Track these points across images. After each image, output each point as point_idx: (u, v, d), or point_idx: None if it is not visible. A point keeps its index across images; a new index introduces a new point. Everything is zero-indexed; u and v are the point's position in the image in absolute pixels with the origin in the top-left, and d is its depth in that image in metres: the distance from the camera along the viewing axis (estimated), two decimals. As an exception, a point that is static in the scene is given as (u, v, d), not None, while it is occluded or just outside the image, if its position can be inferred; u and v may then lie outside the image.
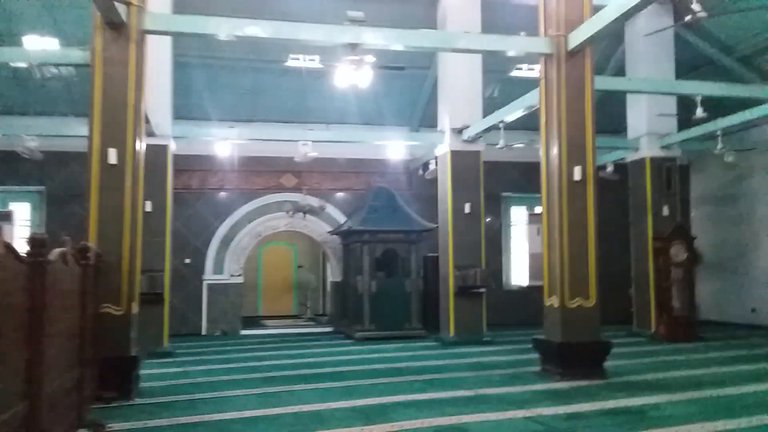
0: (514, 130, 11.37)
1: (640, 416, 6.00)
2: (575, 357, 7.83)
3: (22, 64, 8.99)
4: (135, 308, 7.19)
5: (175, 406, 6.54)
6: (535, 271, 15.37)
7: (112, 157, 7.00)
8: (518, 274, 15.55)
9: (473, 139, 11.55)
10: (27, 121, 11.64)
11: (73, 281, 5.07)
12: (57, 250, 4.48)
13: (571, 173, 8.06)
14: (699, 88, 9.57)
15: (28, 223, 13.08)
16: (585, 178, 8.08)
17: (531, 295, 15.05)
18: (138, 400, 6.78)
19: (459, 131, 11.57)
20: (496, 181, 14.38)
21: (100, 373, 6.59)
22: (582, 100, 8.18)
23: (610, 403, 6.51)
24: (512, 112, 10.03)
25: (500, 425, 5.69)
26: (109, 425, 5.64)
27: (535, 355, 9.15)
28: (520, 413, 6.09)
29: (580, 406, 6.39)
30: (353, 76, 7.97)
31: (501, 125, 10.33)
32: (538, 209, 15.57)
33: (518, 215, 15.69)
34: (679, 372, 8.41)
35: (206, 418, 6.01)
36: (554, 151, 8.17)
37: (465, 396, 6.95)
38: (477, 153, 11.73)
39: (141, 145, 7.44)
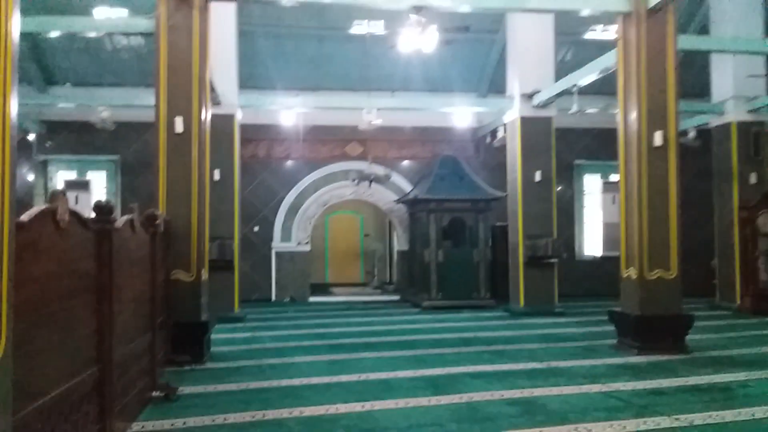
0: (586, 95, 10.85)
1: (726, 394, 5.63)
2: (654, 331, 7.44)
3: (93, 34, 9.14)
4: (205, 275, 7.28)
5: (245, 371, 6.60)
6: (609, 242, 14.79)
7: (179, 125, 7.03)
8: (591, 244, 15.01)
9: (544, 105, 11.08)
10: (100, 92, 11.94)
11: (142, 248, 5.11)
12: (124, 217, 4.50)
13: (651, 139, 7.58)
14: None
15: (104, 192, 13.50)
16: (666, 144, 7.59)
17: (604, 265, 14.57)
18: (209, 364, 6.89)
19: (529, 96, 11.11)
20: (568, 149, 13.86)
21: (173, 337, 6.74)
22: (663, 62, 7.64)
23: (693, 380, 6.15)
24: (586, 76, 9.51)
25: (575, 399, 5.44)
26: (181, 389, 5.73)
27: (610, 328, 8.80)
28: (595, 388, 5.82)
29: (659, 381, 6.06)
30: (418, 40, 7.70)
31: (574, 89, 9.83)
32: (613, 177, 14.97)
33: (592, 184, 15.08)
34: (765, 348, 7.89)
35: (275, 383, 6.04)
36: (633, 115, 7.69)
37: (537, 368, 6.72)
38: (548, 119, 11.26)
39: (207, 114, 7.44)
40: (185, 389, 5.76)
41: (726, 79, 11.73)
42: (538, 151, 11.16)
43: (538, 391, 5.68)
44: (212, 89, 9.83)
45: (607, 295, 13.82)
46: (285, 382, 6.07)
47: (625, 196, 7.91)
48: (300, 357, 7.35)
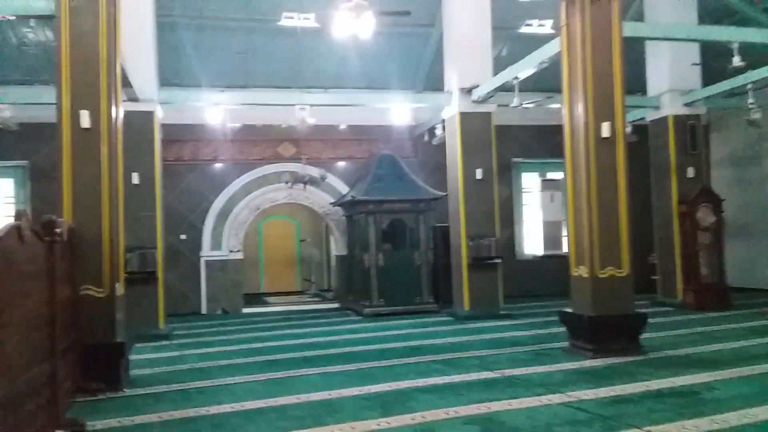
0: (523, 92, 10.52)
1: (693, 399, 5.29)
2: (608, 332, 7.11)
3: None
4: (120, 289, 6.46)
5: (168, 398, 5.83)
6: (549, 240, 14.62)
7: (85, 120, 6.20)
8: (531, 243, 14.79)
9: (484, 100, 10.70)
10: (5, 91, 10.76)
11: (36, 261, 4.30)
12: (7, 225, 3.71)
13: (598, 130, 7.25)
14: (737, 35, 8.64)
15: (12, 200, 12.29)
16: (614, 135, 7.28)
17: (546, 265, 14.40)
18: (127, 391, 6.08)
19: (468, 91, 10.71)
20: (505, 147, 13.53)
21: (83, 362, 5.93)
22: (609, 49, 7.33)
23: (655, 384, 5.80)
24: (527, 67, 9.16)
25: (537, 413, 4.97)
26: (91, 423, 4.94)
27: (559, 329, 8.52)
28: (556, 398, 5.38)
29: (622, 387, 5.69)
30: (353, 26, 7.11)
31: (515, 82, 9.46)
32: (551, 175, 14.83)
33: (530, 182, 14.88)
34: (720, 345, 7.70)
35: (202, 411, 5.31)
36: (579, 106, 7.35)
37: (490, 378, 6.25)
38: (488, 114, 10.89)
39: (118, 108, 6.62)
40: (96, 423, 4.97)
41: (661, 73, 11.69)
42: (478, 148, 10.77)
43: (495, 405, 5.18)
44: (128, 83, 8.97)
45: (549, 294, 13.64)
46: (214, 409, 5.34)
47: (572, 192, 7.55)
48: (232, 377, 6.62)
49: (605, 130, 7.20)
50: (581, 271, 7.36)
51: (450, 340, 8.69)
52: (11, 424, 3.62)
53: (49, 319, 4.57)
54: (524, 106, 9.90)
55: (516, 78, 9.34)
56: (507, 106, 11.08)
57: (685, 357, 7.06)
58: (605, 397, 5.40)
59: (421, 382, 6.12)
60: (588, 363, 6.80)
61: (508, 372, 6.47)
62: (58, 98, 6.25)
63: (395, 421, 4.83)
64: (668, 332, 8.67)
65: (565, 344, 7.67)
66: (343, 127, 13.63)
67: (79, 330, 5.88)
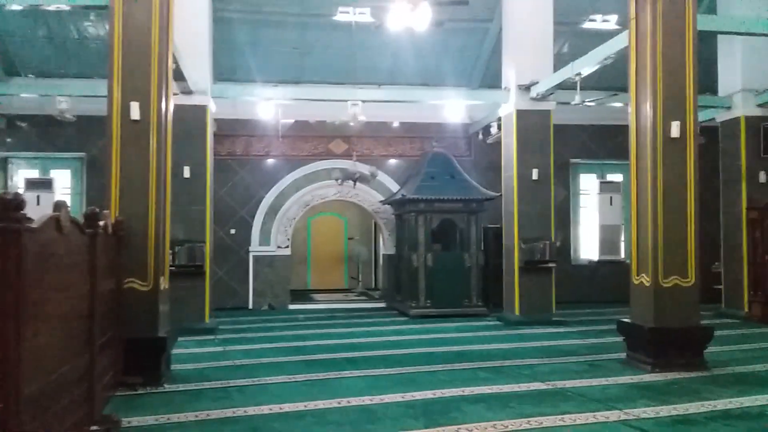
0: (584, 90, 10.08)
1: (764, 421, 4.84)
2: (670, 345, 6.66)
3: (39, 3, 8.17)
4: (164, 283, 6.40)
5: (207, 395, 5.73)
6: (606, 245, 14.05)
7: (135, 111, 6.15)
8: (587, 247, 14.25)
9: (542, 97, 10.29)
10: (65, 84, 10.97)
11: (76, 253, 4.22)
12: (45, 216, 3.62)
13: (667, 129, 6.79)
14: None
15: (69, 192, 12.55)
16: (685, 135, 6.81)
17: (601, 270, 13.89)
18: (167, 387, 6.01)
19: (527, 88, 10.32)
20: (563, 147, 13.04)
21: (125, 356, 5.87)
22: (681, 43, 6.85)
23: (721, 403, 5.37)
24: (591, 63, 8.73)
25: (592, 431, 4.63)
26: (128, 420, 4.86)
27: (615, 339, 8.12)
28: (612, 415, 5.02)
29: (684, 406, 5.27)
30: (409, 18, 6.88)
31: (577, 78, 9.03)
32: (610, 177, 14.27)
33: (588, 184, 14.33)
34: (791, 363, 7.14)
35: (240, 411, 5.17)
36: (646, 104, 6.90)
37: (541, 390, 5.91)
38: (547, 112, 10.47)
39: (169, 100, 6.57)
40: (133, 420, 4.88)
41: (734, 72, 11.03)
42: (535, 147, 10.37)
43: (547, 421, 4.86)
44: (181, 77, 8.98)
45: (604, 301, 13.14)
46: (252, 410, 5.20)
47: (636, 194, 7.12)
48: (273, 377, 6.48)
49: (675, 129, 6.74)
50: (643, 280, 6.93)
51: (499, 346, 8.36)
52: (44, 420, 3.54)
53: (88, 313, 4.49)
54: (586, 104, 9.48)
55: (578, 74, 8.92)
56: (567, 104, 10.67)
57: (752, 374, 6.56)
58: (667, 416, 5.00)
59: (467, 390, 5.83)
60: (647, 377, 6.37)
61: (560, 384, 6.11)
62: (109, 89, 6.23)
63: (439, 432, 4.58)
64: (734, 346, 8.12)
65: (623, 356, 7.25)
66: (395, 124, 13.41)
67: (122, 323, 5.83)
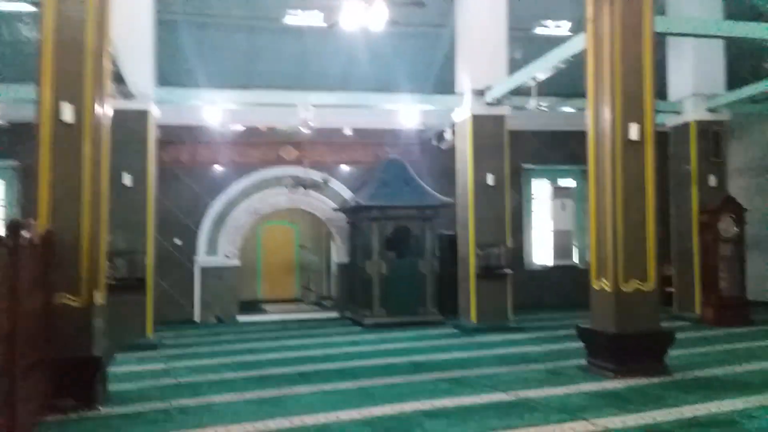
0: (536, 96, 10.03)
1: (734, 429, 4.71)
2: (632, 350, 6.54)
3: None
4: (100, 298, 5.91)
5: (146, 418, 5.28)
6: (559, 250, 14.07)
7: (67, 113, 5.68)
8: (540, 253, 14.22)
9: (497, 102, 10.16)
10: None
11: (-8, 266, 3.78)
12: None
13: (626, 132, 6.70)
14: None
15: (2, 203, 11.78)
16: (643, 138, 6.74)
17: (555, 275, 13.89)
18: (102, 410, 5.53)
19: (481, 93, 10.19)
20: (516, 152, 12.89)
21: (56, 378, 5.37)
22: (639, 45, 6.77)
23: (688, 410, 5.24)
24: (546, 67, 8.61)
25: (560, 445, 4.42)
26: (57, 450, 4.39)
27: (573, 345, 8.02)
28: (579, 426, 4.81)
29: (652, 414, 5.11)
30: (364, 18, 6.61)
31: (532, 83, 8.92)
32: (563, 182, 14.30)
33: (540, 189, 14.31)
34: (749, 365, 7.11)
35: (183, 436, 4.75)
36: (605, 106, 6.80)
37: (504, 401, 5.67)
38: (501, 117, 10.35)
39: (105, 102, 6.09)
40: (62, 450, 4.42)
41: (684, 77, 11.16)
42: (490, 152, 10.22)
43: (513, 435, 4.62)
44: (122, 80, 8.48)
45: (559, 306, 13.12)
46: (196, 434, 4.79)
47: (595, 198, 7.01)
48: (220, 395, 6.06)
49: (634, 132, 6.66)
50: (603, 284, 6.80)
51: (457, 355, 8.13)
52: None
53: (8, 333, 4.02)
54: (540, 108, 9.37)
55: (534, 78, 8.80)
56: (521, 109, 10.62)
57: (714, 379, 6.48)
58: (635, 425, 4.83)
59: (427, 404, 5.55)
60: (610, 384, 6.22)
61: (522, 393, 5.89)
62: (39, 88, 5.74)
63: (400, 452, 4.27)
64: (691, 350, 8.09)
65: (583, 362, 7.11)
66: (348, 130, 13.09)
67: (52, 342, 5.34)
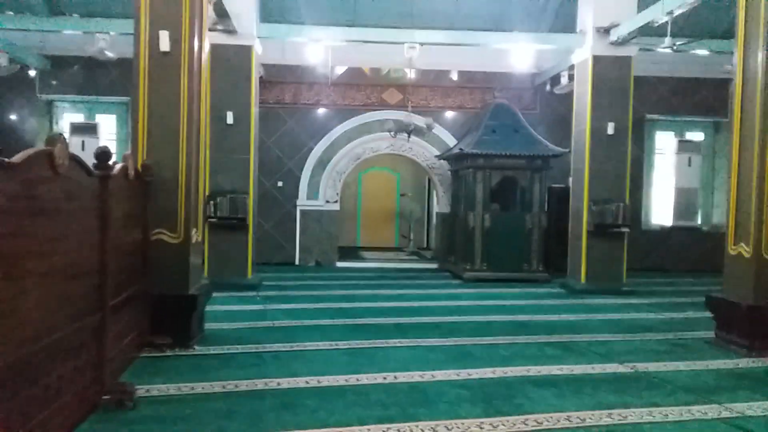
0: (664, 36, 8.91)
1: None
2: (772, 327, 5.71)
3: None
4: (196, 236, 5.79)
5: (239, 361, 5.14)
6: (681, 209, 12.90)
7: (164, 42, 5.46)
8: (659, 211, 13.10)
9: (624, 42, 9.14)
10: (110, 24, 10.39)
11: (80, 199, 3.60)
12: (32, 151, 2.97)
13: (782, 77, 5.71)
14: None
15: (114, 138, 12.16)
16: (803, 83, 5.71)
17: (674, 236, 12.81)
18: (197, 349, 5.46)
19: (606, 31, 9.19)
20: (639, 101, 11.78)
21: (153, 314, 5.33)
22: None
23: (843, 402, 4.45)
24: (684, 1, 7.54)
25: (688, 430, 3.83)
26: (147, 388, 4.30)
27: (696, 314, 7.40)
28: (711, 410, 4.18)
29: (798, 404, 4.38)
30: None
31: (668, 18, 7.87)
32: (690, 135, 13.00)
33: (664, 142, 13.07)
34: None
35: (272, 383, 4.55)
36: (758, 43, 5.80)
37: (620, 373, 5.09)
38: (627, 59, 9.33)
39: (203, 31, 5.87)
40: (152, 389, 4.32)
41: None
42: (612, 98, 9.27)
43: (632, 415, 4.05)
44: (225, 14, 8.28)
45: (677, 270, 12.10)
46: (286, 383, 4.57)
47: (738, 152, 6.10)
48: (313, 342, 5.86)
49: (791, 76, 5.65)
50: (741, 250, 5.95)
51: (565, 317, 7.53)
52: (32, 393, 2.96)
53: (99, 268, 3.89)
54: (676, 49, 8.28)
55: (670, 13, 7.75)
56: (648, 50, 9.57)
57: None
58: (778, 416, 4.14)
59: (533, 370, 5.07)
60: (743, 363, 5.47)
61: (641, 366, 5.28)
62: (135, 16, 5.55)
63: (502, 424, 3.84)
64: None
65: (710, 335, 6.35)
66: (454, 73, 12.45)
67: (149, 279, 5.27)
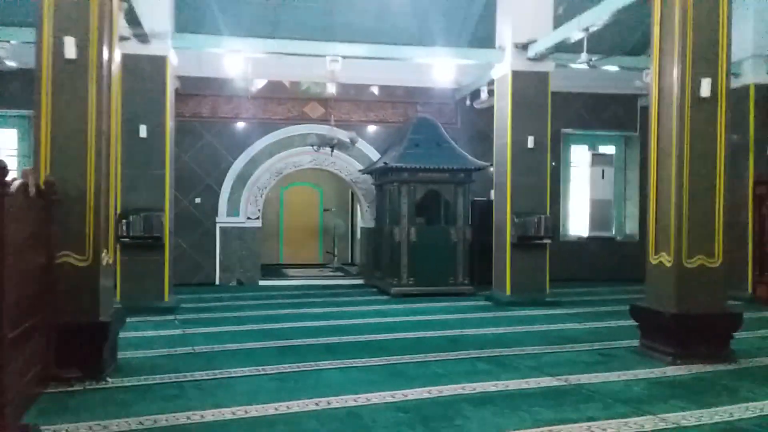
0: (577, 53, 9.19)
1: (828, 433, 4.06)
2: (694, 333, 5.86)
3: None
4: (107, 257, 5.36)
5: (158, 393, 4.75)
6: (596, 221, 13.32)
7: (70, 48, 5.04)
8: (576, 223, 13.49)
9: (541, 57, 9.34)
10: (8, 32, 9.65)
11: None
12: None
13: (696, 88, 5.92)
14: None
15: (15, 152, 11.31)
16: (716, 95, 5.96)
17: (591, 247, 13.22)
18: (110, 381, 5.02)
19: (524, 47, 9.36)
20: (554, 115, 12.02)
21: (59, 345, 4.86)
22: (713, -10, 5.97)
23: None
24: (601, 16, 7.71)
25: (628, 446, 3.80)
26: (54, 428, 3.87)
27: (618, 323, 7.62)
28: (647, 423, 4.17)
29: (726, 409, 4.46)
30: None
31: (584, 34, 8.08)
32: (603, 149, 13.50)
33: (579, 155, 13.50)
34: (822, 353, 6.41)
35: (196, 416, 4.20)
36: (673, 60, 5.99)
37: (554, 387, 5.05)
38: (545, 74, 9.54)
39: (113, 38, 5.47)
40: (60, 429, 3.90)
41: (744, 37, 10.17)
42: (531, 113, 9.44)
43: (573, 431, 3.99)
44: (136, 20, 7.83)
45: (593, 280, 12.45)
46: (210, 415, 4.24)
47: (656, 163, 6.25)
48: (239, 368, 5.53)
49: (705, 88, 5.88)
50: (662, 259, 6.09)
51: (494, 330, 7.51)
52: None
53: (-6, 296, 3.46)
54: (592, 64, 8.51)
55: (586, 29, 7.95)
56: (563, 67, 9.84)
57: (787, 368, 5.80)
58: (710, 422, 4.18)
59: (468, 387, 4.96)
60: (670, 371, 5.57)
61: (573, 379, 5.27)
62: (38, 21, 5.10)
63: (443, 447, 3.68)
64: (750, 333, 7.36)
65: (634, 344, 6.46)
66: (376, 88, 12.40)
67: (53, 306, 4.80)
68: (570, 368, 5.64)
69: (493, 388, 4.96)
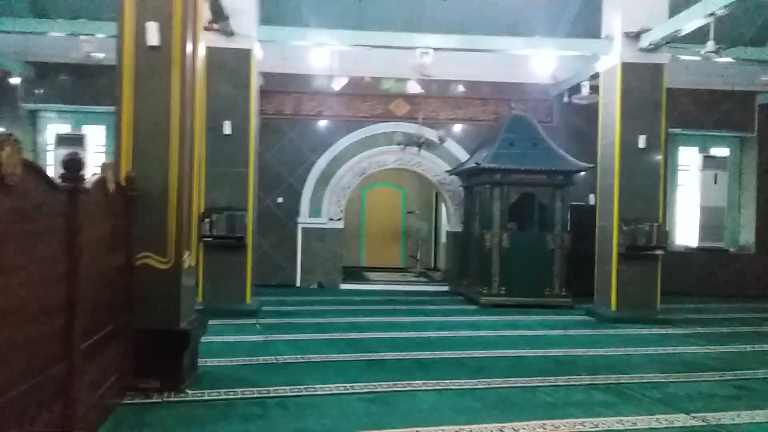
0: (692, 44, 8.25)
1: None
2: None
3: None
4: (189, 259, 4.98)
5: (238, 411, 4.30)
6: (706, 229, 12.13)
7: (152, 34, 4.67)
8: (683, 232, 12.37)
9: (655, 47, 8.44)
10: (93, 24, 9.61)
11: (37, 219, 2.80)
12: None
13: None
14: None
15: (103, 150, 11.37)
16: None
17: (699, 259, 12.03)
18: (190, 393, 4.63)
19: (635, 36, 8.49)
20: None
21: (137, 353, 4.50)
22: None
23: None
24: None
25: None
26: (126, 451, 3.48)
27: (744, 347, 6.86)
28: (825, 484, 3.37)
29: None
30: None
31: (710, 20, 7.15)
32: (715, 151, 12.32)
33: (688, 158, 12.37)
34: None
35: (280, 442, 3.72)
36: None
37: (691, 427, 4.27)
38: (659, 66, 8.62)
39: (198, 24, 5.10)
40: (131, 452, 3.49)
41: None
42: (643, 109, 8.55)
43: (731, 490, 3.25)
44: (221, 14, 7.53)
45: (702, 295, 11.32)
46: (296, 443, 3.75)
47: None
48: (325, 384, 5.03)
49: None
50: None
51: (603, 351, 6.72)
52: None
53: (67, 303, 3.08)
54: (716, 55, 7.52)
55: (712, 14, 7.03)
56: (677, 60, 8.89)
57: None
58: None
59: (588, 423, 4.25)
60: (829, 413, 4.67)
61: (711, 417, 4.47)
62: (119, 7, 4.77)
63: (574, 505, 3.02)
64: None
65: (773, 375, 5.56)
66: (465, 83, 11.74)
67: (133, 311, 4.46)
68: (704, 403, 4.82)
69: (619, 426, 4.24)
